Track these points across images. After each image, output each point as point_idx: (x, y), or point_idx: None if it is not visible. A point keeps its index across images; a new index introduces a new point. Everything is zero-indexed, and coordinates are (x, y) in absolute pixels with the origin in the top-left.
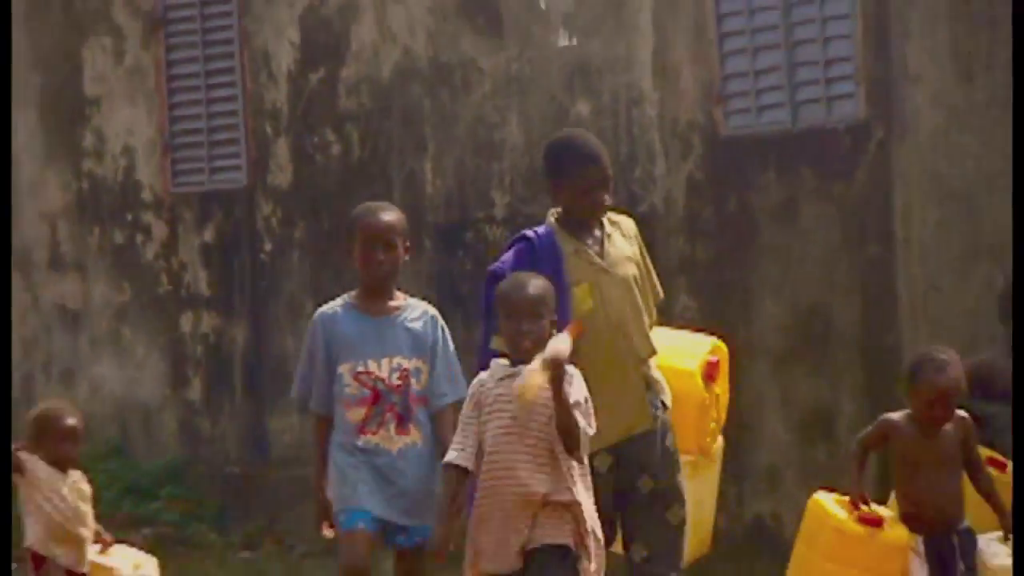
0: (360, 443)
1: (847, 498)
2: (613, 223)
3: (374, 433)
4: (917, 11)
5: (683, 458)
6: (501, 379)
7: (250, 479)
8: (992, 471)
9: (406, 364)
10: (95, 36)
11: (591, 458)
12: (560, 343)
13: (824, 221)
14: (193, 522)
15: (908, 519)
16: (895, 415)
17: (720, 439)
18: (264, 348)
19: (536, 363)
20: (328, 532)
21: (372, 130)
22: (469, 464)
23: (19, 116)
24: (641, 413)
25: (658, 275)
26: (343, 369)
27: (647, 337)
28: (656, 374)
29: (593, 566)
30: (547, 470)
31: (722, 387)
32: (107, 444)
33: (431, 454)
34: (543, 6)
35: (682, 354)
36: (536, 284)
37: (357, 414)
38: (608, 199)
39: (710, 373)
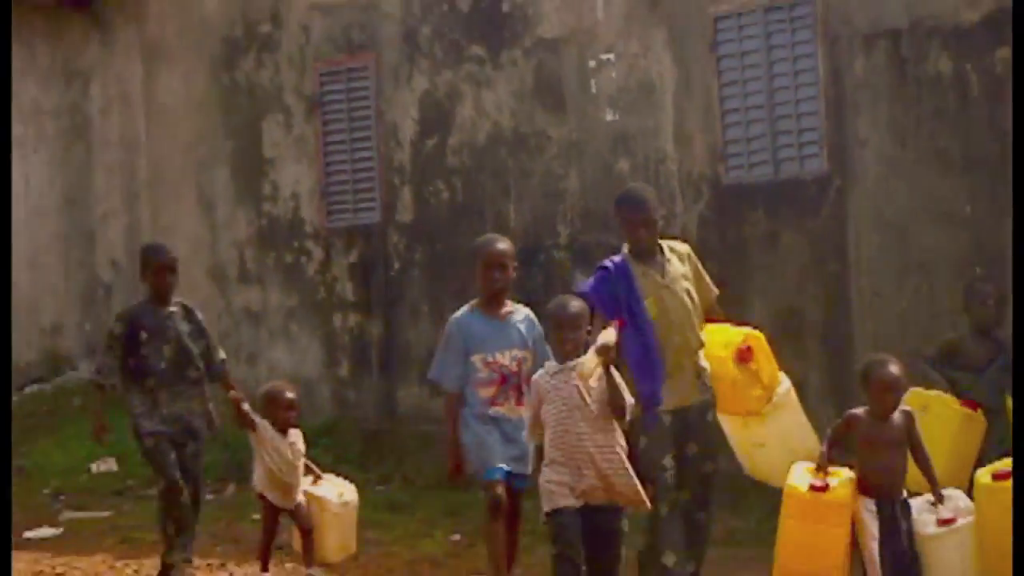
0: (491, 413)
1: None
2: (672, 249)
3: (501, 405)
4: (865, 94)
5: (733, 417)
6: (554, 374)
7: (383, 433)
8: (968, 410)
9: (519, 354)
10: (271, 113)
11: (661, 415)
12: (607, 336)
13: (798, 246)
14: (342, 464)
15: (864, 486)
16: (857, 410)
17: (786, 389)
18: (393, 339)
19: (591, 352)
20: (458, 475)
21: (471, 181)
22: (536, 437)
23: (216, 171)
24: (692, 390)
25: None
26: (475, 359)
27: (698, 335)
28: (704, 363)
29: (633, 506)
30: (600, 433)
31: (760, 364)
32: (256, 404)
33: None
34: (594, 91)
35: (718, 344)
36: (575, 304)
37: (488, 392)
38: (647, 235)
39: (742, 357)
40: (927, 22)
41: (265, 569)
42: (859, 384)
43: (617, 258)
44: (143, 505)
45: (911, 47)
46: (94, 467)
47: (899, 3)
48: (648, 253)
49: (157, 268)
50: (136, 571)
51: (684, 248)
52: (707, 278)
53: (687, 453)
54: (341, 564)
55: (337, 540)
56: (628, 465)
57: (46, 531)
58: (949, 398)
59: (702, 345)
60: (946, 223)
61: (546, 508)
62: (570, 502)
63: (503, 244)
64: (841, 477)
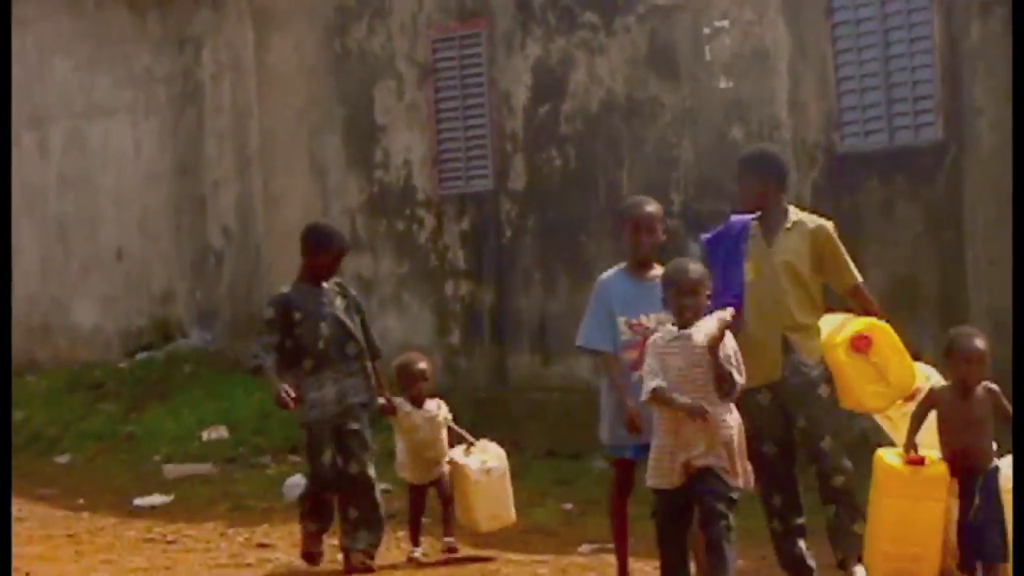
0: (633, 378)
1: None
2: (797, 223)
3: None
4: (981, 60)
5: (881, 418)
6: (670, 341)
7: (494, 402)
8: None
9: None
10: (383, 80)
11: (755, 392)
12: (725, 312)
13: (912, 215)
14: None
15: (948, 465)
16: (938, 386)
17: (923, 386)
18: (505, 307)
19: (715, 322)
20: (637, 431)
21: (583, 149)
22: (666, 384)
23: (327, 138)
24: (773, 367)
25: None
26: (620, 320)
27: (791, 312)
28: (805, 342)
29: (740, 481)
30: (712, 406)
31: (885, 357)
32: (391, 377)
33: None
34: (708, 58)
35: (835, 332)
36: (695, 269)
37: (631, 355)
38: (773, 200)
39: (857, 346)
40: None
41: (416, 543)
42: (943, 357)
43: (748, 216)
44: (254, 472)
45: None
46: (205, 435)
47: None
48: (772, 219)
49: (336, 254)
50: (247, 539)
51: (813, 226)
52: (845, 262)
53: (796, 424)
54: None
55: (485, 509)
56: (737, 440)
57: (156, 499)
58: None
59: (796, 325)
60: None
61: (650, 483)
62: (671, 482)
63: (652, 206)
64: (931, 455)
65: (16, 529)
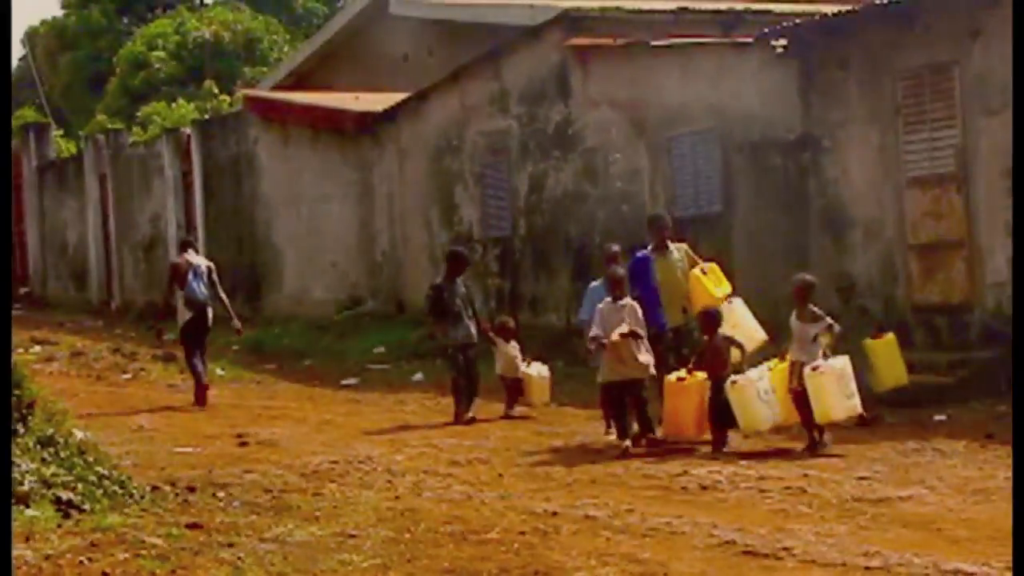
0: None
1: None
2: (676, 247)
3: None
4: (740, 179)
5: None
6: (609, 309)
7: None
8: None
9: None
10: (457, 183)
11: (669, 329)
12: (623, 329)
13: (705, 250)
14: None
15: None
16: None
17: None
18: (515, 290)
19: (622, 328)
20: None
21: (552, 215)
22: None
23: (432, 210)
24: (677, 317)
25: None
26: (598, 307)
27: (684, 289)
28: (689, 304)
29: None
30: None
31: (715, 277)
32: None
33: None
34: (611, 172)
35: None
36: (619, 272)
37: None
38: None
39: (703, 269)
40: None
41: (510, 409)
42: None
43: (646, 251)
44: (398, 369)
45: None
46: (375, 350)
47: None
48: (663, 246)
49: (463, 264)
50: (397, 400)
51: (682, 248)
52: (695, 261)
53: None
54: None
55: (539, 396)
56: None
57: (352, 380)
58: None
59: (687, 295)
60: None
61: (600, 379)
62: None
63: (616, 247)
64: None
65: (285, 393)
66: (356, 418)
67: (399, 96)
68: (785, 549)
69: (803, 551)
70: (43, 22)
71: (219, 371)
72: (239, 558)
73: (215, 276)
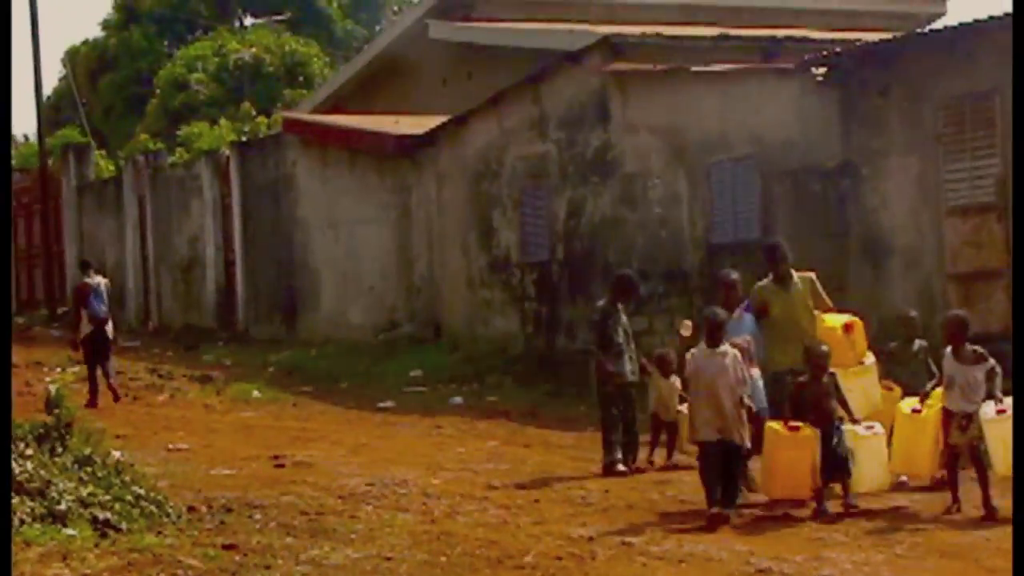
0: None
1: None
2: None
3: None
4: (780, 207)
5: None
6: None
7: (547, 358)
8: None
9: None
10: (496, 207)
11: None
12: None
13: (745, 277)
14: None
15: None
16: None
17: (871, 361)
18: (553, 314)
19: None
20: None
21: (590, 241)
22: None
23: (470, 234)
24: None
25: None
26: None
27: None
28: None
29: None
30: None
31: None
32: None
33: None
34: (650, 197)
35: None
36: (721, 313)
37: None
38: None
39: (846, 329)
40: None
41: (652, 445)
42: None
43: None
44: (435, 393)
45: None
46: (411, 373)
47: None
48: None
49: (635, 292)
50: (432, 423)
51: (802, 276)
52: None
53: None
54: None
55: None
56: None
57: (388, 403)
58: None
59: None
60: None
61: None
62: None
63: (735, 275)
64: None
65: (321, 415)
66: (392, 441)
67: (438, 120)
68: None
69: None
70: (84, 42)
71: (256, 392)
72: None
73: (108, 293)
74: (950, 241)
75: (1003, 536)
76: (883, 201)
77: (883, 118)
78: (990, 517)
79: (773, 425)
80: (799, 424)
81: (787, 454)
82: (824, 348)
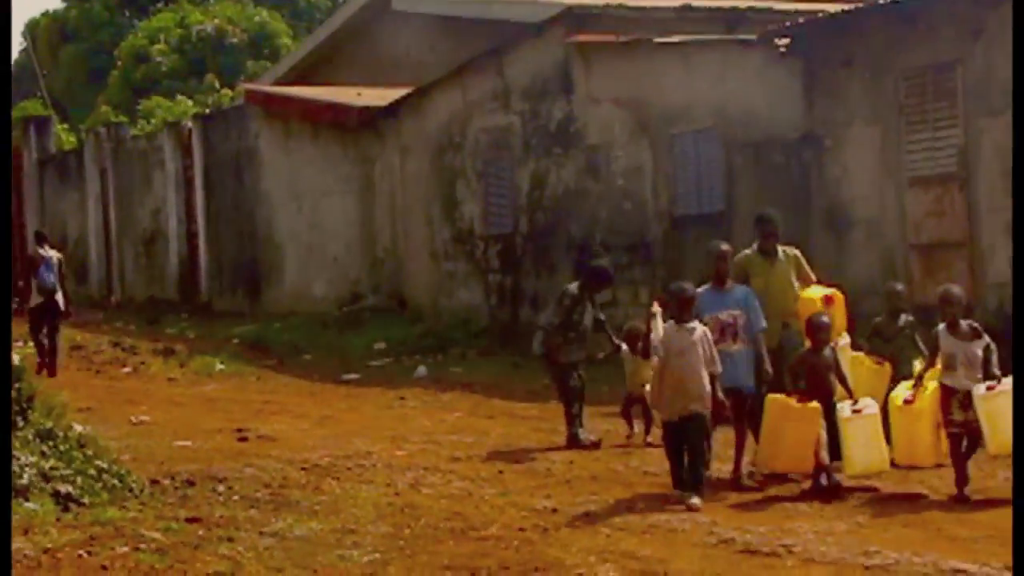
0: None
1: None
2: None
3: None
4: (742, 177)
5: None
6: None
7: (511, 330)
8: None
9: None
10: (460, 179)
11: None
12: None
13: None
14: None
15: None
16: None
17: (845, 341)
18: (516, 286)
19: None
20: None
21: (553, 213)
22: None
23: (433, 206)
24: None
25: None
26: (705, 316)
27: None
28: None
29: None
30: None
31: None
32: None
33: None
34: (613, 168)
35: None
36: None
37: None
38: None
39: (827, 301)
40: None
41: (627, 420)
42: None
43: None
44: (399, 365)
45: None
46: (375, 346)
47: None
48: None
49: (608, 282)
50: (397, 395)
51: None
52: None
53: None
54: None
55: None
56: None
57: (352, 376)
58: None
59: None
60: None
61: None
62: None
63: (725, 246)
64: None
65: (285, 388)
66: (356, 414)
67: (401, 92)
68: (785, 547)
69: (803, 549)
70: (44, 14)
71: (219, 365)
72: (238, 552)
73: (64, 269)
74: (912, 211)
75: (969, 509)
76: (845, 172)
77: (845, 89)
78: (963, 499)
79: (779, 397)
80: (805, 397)
81: (795, 427)
82: (825, 319)
